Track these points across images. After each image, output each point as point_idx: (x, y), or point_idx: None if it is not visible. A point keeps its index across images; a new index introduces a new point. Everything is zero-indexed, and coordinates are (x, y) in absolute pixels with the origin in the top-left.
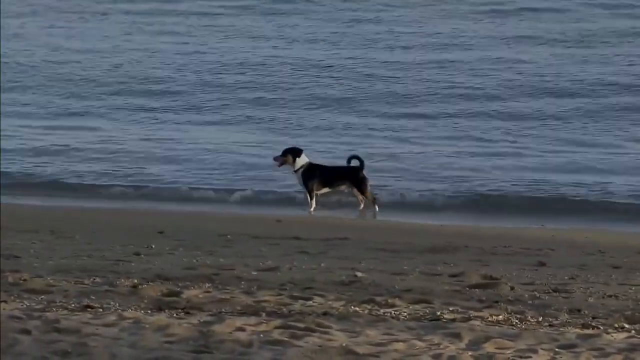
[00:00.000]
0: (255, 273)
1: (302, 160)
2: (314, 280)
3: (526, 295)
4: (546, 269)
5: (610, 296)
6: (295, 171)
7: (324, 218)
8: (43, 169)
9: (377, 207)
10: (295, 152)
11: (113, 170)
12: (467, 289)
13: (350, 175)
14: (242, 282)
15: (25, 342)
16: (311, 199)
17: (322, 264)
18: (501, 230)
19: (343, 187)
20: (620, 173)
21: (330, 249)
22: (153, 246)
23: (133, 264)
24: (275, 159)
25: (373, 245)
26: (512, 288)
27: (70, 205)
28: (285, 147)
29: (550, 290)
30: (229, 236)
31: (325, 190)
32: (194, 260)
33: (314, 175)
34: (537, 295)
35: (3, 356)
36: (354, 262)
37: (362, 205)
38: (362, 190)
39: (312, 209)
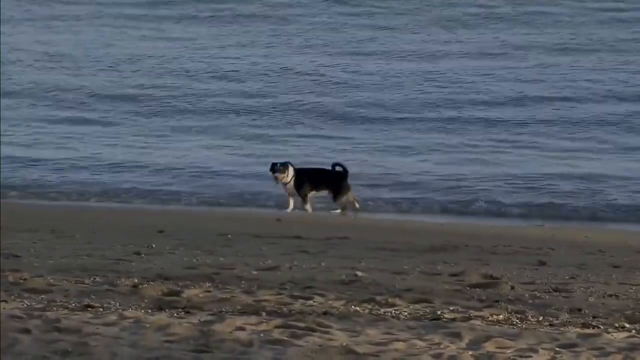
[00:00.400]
0: (256, 272)
1: (291, 171)
2: (314, 280)
3: (526, 295)
4: (546, 269)
5: (610, 295)
6: (288, 182)
7: (324, 217)
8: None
9: (357, 205)
10: (287, 165)
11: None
12: (468, 288)
13: (333, 180)
14: (243, 282)
15: (25, 341)
16: (306, 202)
17: (323, 263)
18: (501, 229)
19: (325, 192)
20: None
21: (330, 248)
22: (153, 245)
23: (133, 264)
24: (276, 175)
25: (373, 245)
26: (512, 287)
27: (70, 204)
28: (274, 161)
29: (551, 290)
30: (229, 235)
31: (313, 193)
32: (194, 260)
33: (304, 180)
34: (538, 294)
35: (3, 356)
36: (354, 261)
37: (346, 208)
38: (343, 195)
39: (309, 210)
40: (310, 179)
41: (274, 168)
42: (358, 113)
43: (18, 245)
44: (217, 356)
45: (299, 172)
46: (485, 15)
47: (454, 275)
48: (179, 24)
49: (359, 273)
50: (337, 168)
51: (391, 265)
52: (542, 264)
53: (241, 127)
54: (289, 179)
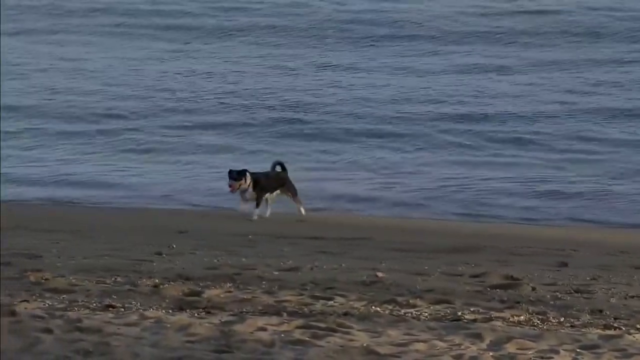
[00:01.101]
0: (277, 273)
1: (249, 177)
2: (336, 280)
3: (548, 296)
4: (568, 270)
5: (632, 297)
6: (246, 190)
7: (345, 218)
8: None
9: (303, 210)
10: (245, 173)
11: None
12: (489, 289)
13: (283, 181)
14: (264, 282)
15: (47, 341)
16: (258, 205)
17: (344, 264)
18: (522, 230)
19: (278, 192)
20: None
21: (351, 249)
22: (174, 246)
23: (154, 264)
24: (232, 185)
25: (394, 246)
26: (533, 289)
27: (92, 204)
28: (231, 169)
29: (572, 291)
30: (250, 236)
31: (267, 195)
32: (215, 260)
33: (259, 184)
34: (559, 295)
35: (25, 355)
36: (375, 262)
37: (301, 209)
38: (294, 194)
39: (258, 214)
40: (266, 182)
41: (231, 175)
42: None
43: (40, 245)
44: (238, 356)
45: (254, 177)
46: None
47: (475, 276)
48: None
49: (380, 274)
50: (277, 168)
51: (412, 266)
52: (564, 265)
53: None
54: (247, 185)
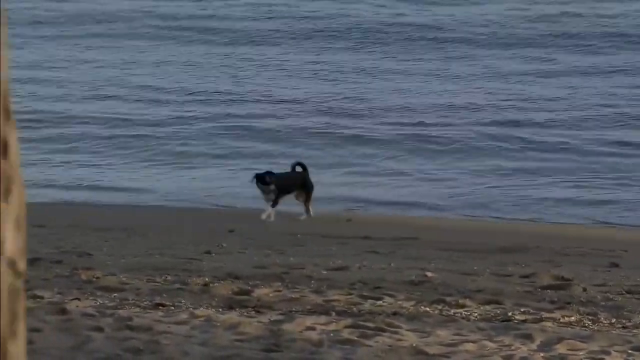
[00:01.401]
0: (325, 272)
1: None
2: (384, 280)
3: (599, 297)
4: (619, 270)
5: None
6: (271, 191)
7: (394, 217)
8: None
9: (312, 211)
10: (272, 174)
11: None
12: (539, 289)
13: (303, 181)
14: (312, 281)
15: (98, 339)
16: (275, 205)
17: (392, 264)
18: (571, 230)
19: (295, 193)
20: None
21: (400, 249)
22: (224, 245)
23: (204, 263)
24: (268, 186)
25: (443, 245)
26: (584, 289)
27: (141, 204)
28: (258, 173)
29: (624, 292)
30: (298, 235)
31: (286, 195)
32: (265, 259)
33: (281, 185)
34: (610, 296)
35: (76, 353)
36: (423, 262)
37: (310, 210)
38: (309, 194)
39: (269, 213)
40: (287, 183)
41: (264, 181)
42: None
43: (91, 243)
44: (287, 355)
45: (278, 179)
46: None
47: (525, 276)
48: None
49: (429, 274)
50: (298, 168)
51: (461, 266)
52: (615, 265)
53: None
54: (272, 186)
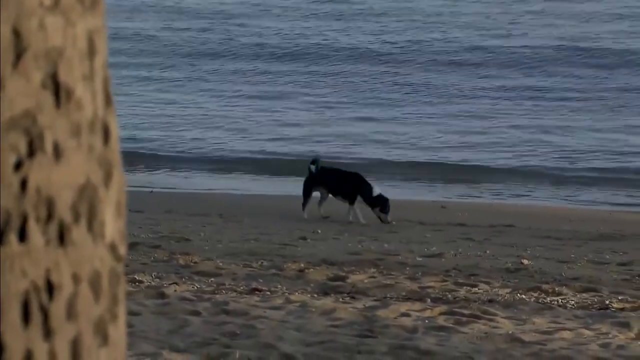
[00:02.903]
0: (420, 259)
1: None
2: (479, 267)
3: None
4: None
5: None
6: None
7: (489, 205)
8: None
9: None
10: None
11: None
12: (637, 277)
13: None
14: (407, 268)
15: (195, 323)
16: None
17: (487, 251)
18: None
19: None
20: None
21: (495, 236)
22: (319, 231)
23: (299, 248)
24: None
25: (539, 233)
26: None
27: (237, 190)
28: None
29: None
30: (393, 222)
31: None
32: (359, 246)
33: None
34: None
35: (174, 336)
36: (519, 249)
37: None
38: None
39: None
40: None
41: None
42: None
43: (189, 229)
44: (381, 341)
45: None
46: None
47: (623, 264)
48: None
49: (525, 261)
50: (312, 166)
51: (557, 254)
52: None
53: None
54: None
